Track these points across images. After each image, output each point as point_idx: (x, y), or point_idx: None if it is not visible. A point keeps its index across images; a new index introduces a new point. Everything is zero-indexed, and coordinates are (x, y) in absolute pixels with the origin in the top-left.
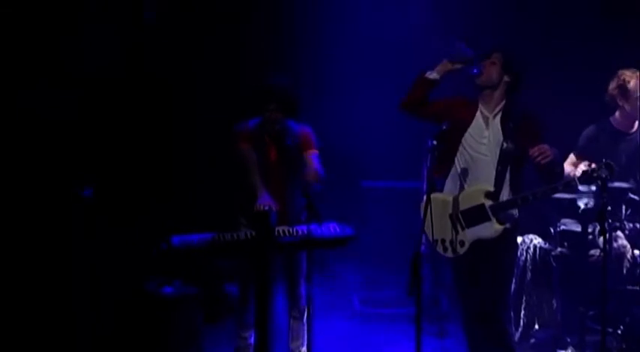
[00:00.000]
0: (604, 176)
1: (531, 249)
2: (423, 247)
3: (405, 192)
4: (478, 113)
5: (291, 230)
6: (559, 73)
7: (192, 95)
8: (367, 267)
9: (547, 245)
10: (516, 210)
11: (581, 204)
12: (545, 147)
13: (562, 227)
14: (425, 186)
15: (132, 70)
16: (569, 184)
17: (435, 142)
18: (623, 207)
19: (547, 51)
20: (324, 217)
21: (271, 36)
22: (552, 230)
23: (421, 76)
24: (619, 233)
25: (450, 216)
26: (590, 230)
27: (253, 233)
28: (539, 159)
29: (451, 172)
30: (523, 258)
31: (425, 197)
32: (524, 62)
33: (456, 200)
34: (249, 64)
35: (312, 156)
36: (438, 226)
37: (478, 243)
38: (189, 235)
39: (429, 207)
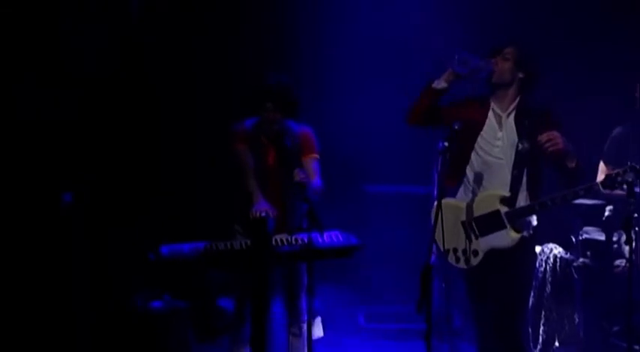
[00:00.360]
0: (630, 180)
1: (551, 260)
2: (433, 258)
3: (412, 198)
4: (490, 113)
5: (290, 239)
6: (559, 72)
7: (186, 95)
8: (372, 279)
9: (568, 255)
10: (534, 218)
11: (606, 210)
12: (555, 134)
13: (584, 235)
14: (435, 192)
15: (120, 70)
16: (592, 189)
17: (446, 144)
18: None
19: (548, 50)
20: (326, 225)
21: (270, 34)
22: (574, 239)
23: (428, 87)
24: None
25: (463, 223)
26: (615, 239)
27: (249, 242)
28: (547, 146)
29: (464, 177)
30: (542, 269)
31: (435, 203)
32: (538, 56)
33: (469, 206)
34: (247, 63)
35: (312, 164)
36: (449, 235)
37: (493, 253)
38: (179, 244)
39: (439, 214)
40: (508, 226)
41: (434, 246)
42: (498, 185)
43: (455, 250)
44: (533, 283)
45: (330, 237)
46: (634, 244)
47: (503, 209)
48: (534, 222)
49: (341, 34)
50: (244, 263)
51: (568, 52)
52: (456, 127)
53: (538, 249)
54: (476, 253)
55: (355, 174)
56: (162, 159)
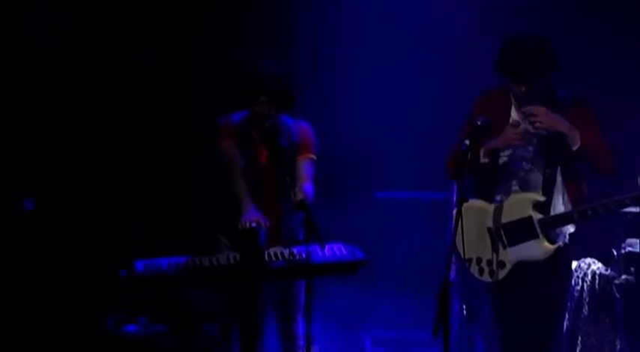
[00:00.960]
0: None
1: (589, 277)
2: (452, 273)
3: (428, 205)
4: (513, 108)
5: (285, 252)
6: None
7: (165, 87)
8: (381, 298)
9: (609, 271)
10: (572, 227)
11: None
12: (540, 109)
13: (628, 248)
14: (455, 196)
15: (90, 60)
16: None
17: (467, 143)
18: None
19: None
20: (328, 236)
21: (265, 16)
22: (615, 252)
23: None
24: None
25: (489, 230)
26: None
27: (237, 256)
28: (530, 121)
29: (491, 181)
30: (579, 287)
31: (456, 208)
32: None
33: (498, 210)
34: (238, 49)
35: (306, 165)
36: (472, 241)
37: (522, 266)
38: (156, 259)
39: (460, 218)
40: (541, 236)
41: (454, 260)
42: (531, 188)
43: (479, 260)
44: (568, 304)
45: (332, 251)
46: None
47: (537, 215)
48: (571, 232)
49: (348, 17)
50: (232, 280)
51: (616, 47)
52: (479, 123)
53: (574, 264)
54: (503, 265)
55: (364, 178)
56: (137, 160)
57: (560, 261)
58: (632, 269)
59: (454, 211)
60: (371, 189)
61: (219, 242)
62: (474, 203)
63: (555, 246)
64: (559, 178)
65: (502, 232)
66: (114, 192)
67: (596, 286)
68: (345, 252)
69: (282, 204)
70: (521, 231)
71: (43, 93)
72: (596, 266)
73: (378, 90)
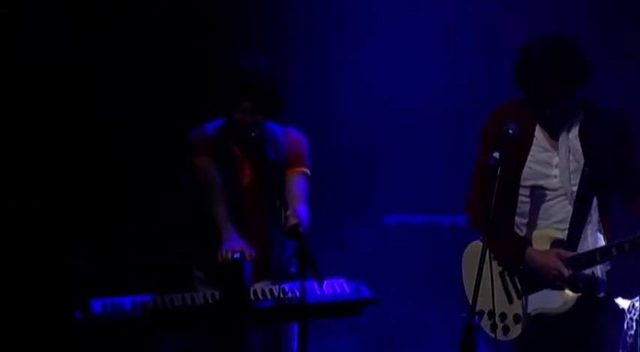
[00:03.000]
0: None
1: None
2: (477, 317)
3: (448, 231)
4: (538, 129)
5: (275, 290)
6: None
7: (131, 90)
8: (392, 341)
9: None
10: (601, 270)
11: None
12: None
13: None
14: (473, 222)
15: (88, 60)
16: None
17: (497, 155)
18: None
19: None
20: (326, 269)
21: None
22: None
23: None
24: None
25: (501, 275)
26: None
27: (217, 294)
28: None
29: (510, 214)
30: (632, 331)
31: (477, 241)
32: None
33: None
34: (220, 45)
35: (298, 182)
36: (484, 290)
37: (543, 319)
38: (116, 298)
39: (483, 258)
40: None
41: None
42: (558, 223)
43: (491, 314)
44: (620, 351)
45: (332, 287)
46: None
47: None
48: (600, 275)
49: (353, 10)
50: (209, 323)
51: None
52: (511, 132)
53: (626, 303)
54: (517, 319)
55: (371, 198)
56: (96, 180)
57: (595, 309)
58: None
59: (469, 246)
60: (380, 211)
61: (192, 277)
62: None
63: (578, 294)
64: (595, 214)
65: (517, 278)
66: (66, 217)
67: None
68: (347, 290)
69: (270, 232)
70: (538, 275)
71: (39, 93)
72: None
73: (387, 92)
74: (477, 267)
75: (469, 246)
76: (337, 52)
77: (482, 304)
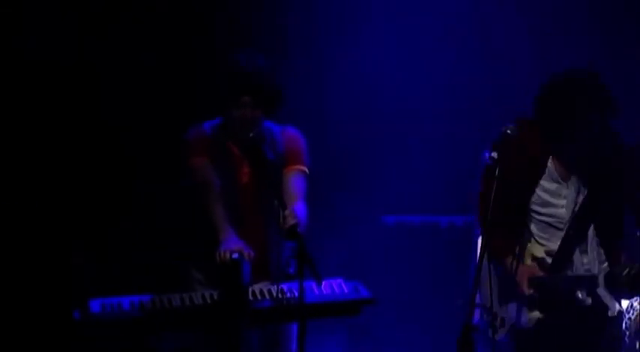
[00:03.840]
0: None
1: None
2: (476, 316)
3: (446, 231)
4: (551, 159)
5: (274, 290)
6: None
7: (129, 89)
8: (390, 341)
9: None
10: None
11: None
12: None
13: None
14: (478, 222)
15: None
16: None
17: (495, 155)
18: None
19: None
20: (325, 270)
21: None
22: None
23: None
24: None
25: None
26: None
27: (215, 294)
28: None
29: (521, 237)
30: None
31: (480, 238)
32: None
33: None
34: (220, 44)
35: (296, 180)
36: (488, 287)
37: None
38: (115, 298)
39: (484, 257)
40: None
41: (478, 299)
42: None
43: (488, 311)
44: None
45: (331, 288)
46: None
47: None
48: (581, 297)
49: (352, 8)
50: (207, 324)
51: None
52: (509, 132)
53: (625, 303)
54: (502, 323)
55: (371, 200)
56: (90, 177)
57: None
58: None
59: (479, 239)
60: (378, 211)
61: (191, 278)
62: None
63: (540, 315)
64: (594, 240)
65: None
66: (65, 216)
67: None
68: (346, 290)
69: (268, 232)
70: (511, 288)
71: (39, 93)
72: None
73: (386, 92)
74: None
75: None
76: (336, 51)
77: (486, 300)
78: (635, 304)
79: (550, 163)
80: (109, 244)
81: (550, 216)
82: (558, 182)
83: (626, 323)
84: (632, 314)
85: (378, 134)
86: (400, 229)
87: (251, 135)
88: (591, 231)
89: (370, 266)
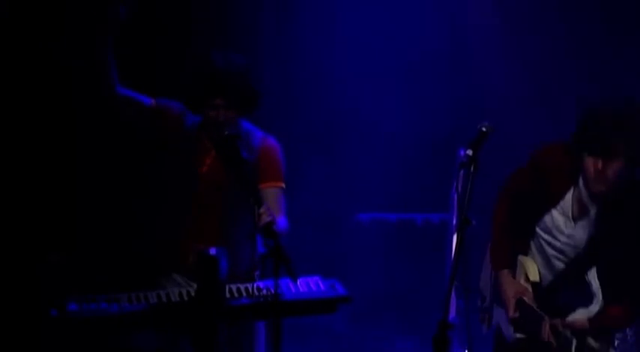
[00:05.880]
0: None
1: None
2: (452, 313)
3: (421, 229)
4: (571, 191)
5: (250, 288)
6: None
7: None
8: (366, 339)
9: None
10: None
11: None
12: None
13: None
14: (455, 218)
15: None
16: None
17: (470, 153)
18: None
19: None
20: (301, 267)
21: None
22: None
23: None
24: None
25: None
26: None
27: (191, 291)
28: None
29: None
30: (620, 334)
31: (455, 235)
32: None
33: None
34: (192, 43)
35: (276, 196)
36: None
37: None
38: (92, 296)
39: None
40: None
41: (454, 296)
42: (548, 269)
43: (486, 309)
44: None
45: (307, 285)
46: None
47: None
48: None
49: (326, 10)
50: (184, 320)
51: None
52: (484, 129)
53: None
54: (489, 320)
55: (345, 199)
56: (65, 176)
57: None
58: None
59: (454, 236)
60: (354, 209)
61: (168, 277)
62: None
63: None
64: (594, 282)
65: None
66: (41, 218)
67: None
68: (322, 287)
69: (236, 229)
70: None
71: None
72: None
73: (362, 93)
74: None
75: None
76: (308, 49)
77: (485, 289)
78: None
79: (568, 195)
80: (85, 243)
81: (549, 244)
82: (567, 217)
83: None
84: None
85: (352, 133)
86: (376, 227)
87: (226, 133)
88: (593, 275)
89: (347, 264)
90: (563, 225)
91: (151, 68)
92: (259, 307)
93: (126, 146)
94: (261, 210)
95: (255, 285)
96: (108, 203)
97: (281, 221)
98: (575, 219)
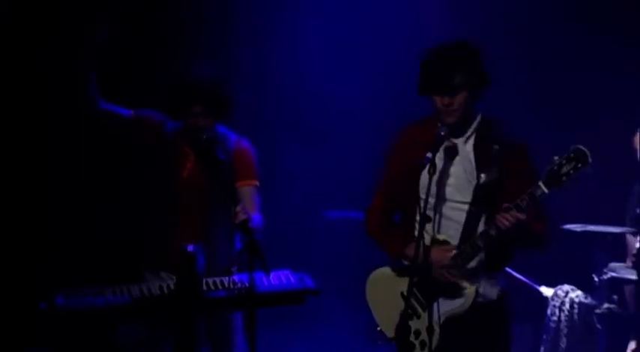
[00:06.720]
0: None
1: (567, 306)
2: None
3: None
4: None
5: (226, 281)
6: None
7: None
8: (333, 330)
9: (589, 299)
10: (483, 257)
11: (637, 241)
12: (511, 217)
13: (610, 274)
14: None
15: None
16: (534, 195)
17: (429, 155)
18: None
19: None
20: (272, 262)
21: (202, 15)
22: (596, 278)
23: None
24: None
25: (403, 295)
26: None
27: (171, 285)
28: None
29: (410, 230)
30: (555, 317)
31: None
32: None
33: (405, 269)
34: (169, 54)
35: (252, 195)
36: (388, 318)
37: (452, 324)
38: (79, 289)
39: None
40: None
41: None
42: (453, 233)
43: (399, 336)
44: (544, 336)
45: (279, 278)
46: None
47: None
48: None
49: (296, 19)
50: (165, 312)
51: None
52: (442, 134)
53: (550, 291)
54: (431, 330)
55: (313, 197)
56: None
57: (493, 302)
58: (615, 297)
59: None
60: (320, 207)
61: (158, 277)
62: (382, 272)
63: (475, 286)
64: (482, 219)
65: (416, 292)
66: (30, 215)
67: (575, 316)
68: (292, 280)
69: (215, 227)
70: (436, 281)
71: None
72: (575, 293)
73: (330, 98)
74: (382, 291)
75: (372, 275)
76: (276, 53)
77: (391, 331)
78: (560, 293)
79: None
80: (70, 241)
81: (440, 196)
82: (443, 159)
83: (551, 309)
84: (557, 301)
85: (321, 137)
86: (341, 224)
87: (204, 137)
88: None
89: (314, 259)
90: (447, 166)
91: (131, 81)
92: (235, 299)
93: (112, 154)
94: (238, 208)
95: (230, 279)
96: (95, 206)
97: (256, 217)
98: (452, 157)
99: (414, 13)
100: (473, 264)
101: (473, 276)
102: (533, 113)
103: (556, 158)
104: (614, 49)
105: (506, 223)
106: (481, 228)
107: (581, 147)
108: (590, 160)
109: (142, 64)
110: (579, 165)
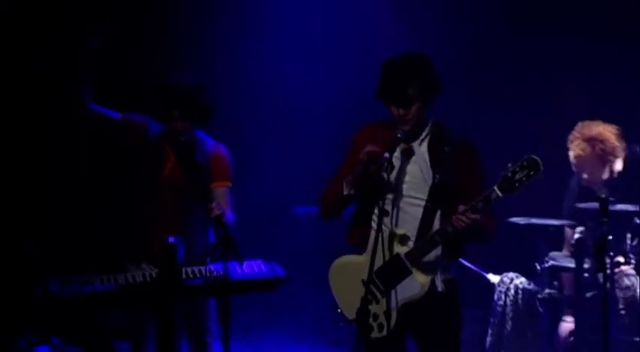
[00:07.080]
0: (603, 196)
1: (512, 291)
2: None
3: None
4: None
5: (203, 270)
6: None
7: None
8: (304, 319)
9: (532, 285)
10: (439, 250)
11: (576, 232)
12: (466, 219)
13: (551, 262)
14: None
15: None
16: (490, 198)
17: (386, 155)
18: (629, 235)
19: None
20: (245, 253)
21: (180, 24)
22: (538, 266)
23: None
24: (628, 269)
25: (364, 282)
26: (586, 266)
27: (154, 273)
28: (458, 224)
29: (370, 226)
30: (501, 302)
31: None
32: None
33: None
34: (152, 61)
35: (225, 195)
36: (353, 300)
37: (408, 310)
38: (70, 277)
39: (342, 273)
40: (412, 269)
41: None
42: (410, 227)
43: (360, 319)
44: (491, 319)
45: (252, 267)
46: (608, 272)
47: (403, 250)
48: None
49: (267, 24)
50: (148, 298)
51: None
52: (399, 136)
53: (496, 278)
54: (388, 314)
55: (283, 192)
56: (50, 174)
57: (446, 291)
58: (556, 283)
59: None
60: (290, 203)
61: (137, 258)
62: (346, 259)
63: (431, 277)
64: (438, 214)
65: (376, 279)
66: (27, 207)
67: (519, 301)
68: (264, 269)
69: (192, 220)
70: (394, 271)
71: None
72: (519, 280)
73: (298, 98)
74: (344, 277)
75: (335, 262)
76: (241, 54)
77: (352, 313)
78: (505, 279)
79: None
80: (63, 234)
81: (398, 193)
82: (400, 160)
83: (497, 295)
84: (503, 288)
85: (292, 137)
86: (310, 219)
87: (182, 139)
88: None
89: (284, 253)
90: (403, 165)
91: (119, 86)
92: (211, 286)
93: (98, 153)
94: (213, 204)
95: (207, 268)
96: (83, 201)
97: (229, 214)
98: (408, 158)
99: (373, 15)
100: (430, 256)
101: (429, 268)
102: (483, 113)
103: (510, 165)
104: (543, 48)
105: (462, 224)
106: (436, 222)
107: (535, 156)
108: (541, 169)
109: (122, 66)
110: (532, 173)
